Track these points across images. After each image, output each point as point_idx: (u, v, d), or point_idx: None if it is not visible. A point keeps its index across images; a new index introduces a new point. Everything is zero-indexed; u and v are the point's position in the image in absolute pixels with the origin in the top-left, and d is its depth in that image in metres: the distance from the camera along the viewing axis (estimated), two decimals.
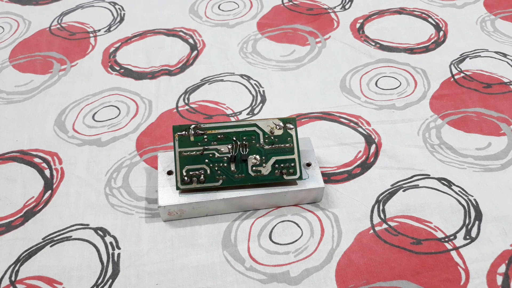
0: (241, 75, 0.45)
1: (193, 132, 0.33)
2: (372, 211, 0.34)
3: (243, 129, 0.34)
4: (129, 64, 0.46)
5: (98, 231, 0.33)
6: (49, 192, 0.36)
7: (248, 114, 0.41)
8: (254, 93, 0.43)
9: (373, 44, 0.47)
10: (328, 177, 0.36)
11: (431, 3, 0.52)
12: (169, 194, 0.33)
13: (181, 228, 0.33)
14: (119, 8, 0.53)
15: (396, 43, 0.47)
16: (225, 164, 0.33)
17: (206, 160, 0.33)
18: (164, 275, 0.31)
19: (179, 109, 0.42)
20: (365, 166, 0.37)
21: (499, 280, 0.30)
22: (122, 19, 0.52)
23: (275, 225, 0.33)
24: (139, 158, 0.38)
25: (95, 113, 0.41)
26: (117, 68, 0.46)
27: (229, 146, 0.33)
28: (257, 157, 0.33)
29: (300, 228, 0.33)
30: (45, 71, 0.46)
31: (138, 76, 0.45)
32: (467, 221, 0.33)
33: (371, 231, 0.33)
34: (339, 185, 0.36)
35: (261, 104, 0.42)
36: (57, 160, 0.38)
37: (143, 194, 0.35)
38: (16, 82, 0.45)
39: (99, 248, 0.32)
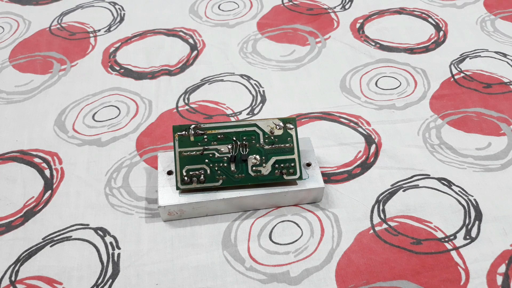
0: (241, 75, 0.45)
1: (193, 132, 0.33)
2: (372, 211, 0.34)
3: (243, 129, 0.34)
4: (129, 64, 0.46)
5: (98, 231, 0.33)
6: (49, 192, 0.36)
7: (248, 114, 0.41)
8: (254, 93, 0.43)
9: (373, 44, 0.47)
10: (328, 177, 0.36)
11: (431, 3, 0.52)
12: (169, 194, 0.33)
13: (181, 228, 0.33)
14: (119, 8, 0.53)
15: (396, 43, 0.47)
16: (225, 164, 0.33)
17: (206, 160, 0.33)
18: (164, 275, 0.31)
19: (179, 109, 0.42)
20: (365, 166, 0.37)
21: (499, 280, 0.30)
22: (122, 19, 0.52)
23: (275, 225, 0.33)
24: (139, 158, 0.38)
25: (95, 113, 0.41)
26: (117, 68, 0.46)
27: (229, 146, 0.33)
28: (257, 157, 0.33)
29: (300, 228, 0.33)
30: (45, 71, 0.46)
31: (138, 76, 0.45)
32: (467, 221, 0.33)
33: (371, 231, 0.33)
34: (339, 185, 0.36)
35: (261, 104, 0.42)
36: (57, 160, 0.38)
37: (143, 194, 0.35)
38: (16, 82, 0.45)
39: (99, 248, 0.32)
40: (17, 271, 0.31)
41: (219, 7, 0.53)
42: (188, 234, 0.33)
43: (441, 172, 0.36)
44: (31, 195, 0.36)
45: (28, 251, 0.32)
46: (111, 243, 0.33)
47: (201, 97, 0.43)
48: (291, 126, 0.34)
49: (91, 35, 0.50)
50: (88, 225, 0.34)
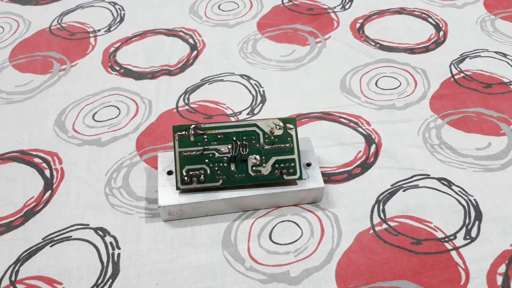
0: (241, 75, 0.45)
1: (193, 132, 0.33)
2: (372, 211, 0.34)
3: (243, 129, 0.34)
4: (129, 64, 0.46)
5: (98, 231, 0.33)
6: (49, 192, 0.36)
7: (248, 114, 0.41)
8: (254, 93, 0.43)
9: (373, 44, 0.47)
10: (328, 177, 0.36)
11: (431, 3, 0.52)
12: (169, 194, 0.33)
13: (181, 228, 0.33)
14: (119, 8, 0.53)
15: (396, 43, 0.47)
16: (225, 164, 0.33)
17: (206, 160, 0.33)
18: (164, 275, 0.31)
19: (179, 109, 0.42)
20: (365, 166, 0.37)
21: (499, 280, 0.30)
22: (122, 19, 0.52)
23: (275, 225, 0.33)
24: (139, 158, 0.38)
25: (95, 113, 0.41)
26: (117, 68, 0.46)
27: (229, 146, 0.33)
28: (257, 157, 0.33)
29: (300, 228, 0.33)
30: (45, 71, 0.46)
31: (138, 76, 0.45)
32: (467, 221, 0.33)
33: (371, 231, 0.33)
34: (339, 185, 0.36)
35: (261, 104, 0.42)
36: (57, 160, 0.38)
37: (143, 194, 0.35)
38: (16, 82, 0.45)
39: (99, 248, 0.32)
40: (17, 271, 0.31)
41: (219, 7, 0.53)
42: (188, 234, 0.33)
43: (441, 172, 0.36)
44: (31, 195, 0.36)
45: (28, 251, 0.32)
46: (111, 243, 0.33)
47: (201, 97, 0.43)
48: (291, 126, 0.34)
49: (91, 35, 0.50)
50: (88, 225, 0.34)
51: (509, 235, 0.32)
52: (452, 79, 0.43)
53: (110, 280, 0.31)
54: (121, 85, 0.44)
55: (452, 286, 0.30)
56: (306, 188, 0.33)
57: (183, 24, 0.51)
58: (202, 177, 0.32)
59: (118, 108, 0.42)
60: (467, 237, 0.32)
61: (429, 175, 0.36)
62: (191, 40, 0.49)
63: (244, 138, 0.33)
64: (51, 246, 0.32)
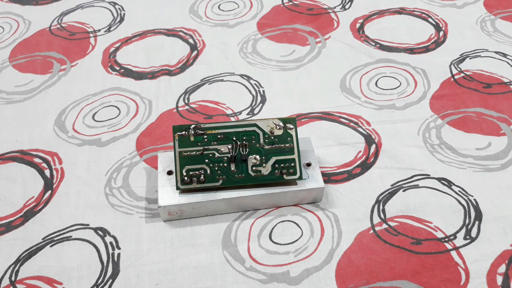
0: (241, 75, 0.45)
1: (193, 132, 0.33)
2: (372, 211, 0.34)
3: (243, 129, 0.34)
4: (129, 64, 0.46)
5: (98, 231, 0.33)
6: (49, 192, 0.36)
7: (248, 114, 0.41)
8: (254, 93, 0.43)
9: (373, 44, 0.47)
10: (328, 177, 0.36)
11: (431, 3, 0.52)
12: (169, 194, 0.33)
13: (181, 228, 0.33)
14: (119, 8, 0.53)
15: (396, 43, 0.47)
16: (225, 164, 0.33)
17: (206, 160, 0.33)
18: (164, 275, 0.31)
19: (179, 109, 0.42)
20: (365, 166, 0.37)
21: (499, 280, 0.30)
22: (122, 19, 0.52)
23: (275, 225, 0.33)
24: (139, 158, 0.38)
25: (95, 113, 0.41)
26: (117, 68, 0.46)
27: (229, 146, 0.33)
28: (257, 157, 0.33)
29: (300, 228, 0.33)
30: (45, 71, 0.46)
31: (138, 76, 0.45)
32: (467, 221, 0.33)
33: (371, 231, 0.33)
34: (339, 185, 0.36)
35: (261, 104, 0.42)
36: (57, 160, 0.38)
37: (143, 194, 0.35)
38: (16, 82, 0.45)
39: (99, 248, 0.32)
40: (17, 271, 0.31)
41: (219, 7, 0.53)
42: (188, 234, 0.33)
43: (441, 172, 0.36)
44: (31, 195, 0.36)
45: (28, 251, 0.32)
46: (111, 243, 0.33)
47: (201, 97, 0.43)
48: (291, 126, 0.34)
49: (91, 35, 0.50)
50: (88, 225, 0.34)
51: (509, 235, 0.32)
52: (452, 79, 0.43)
53: (110, 280, 0.31)
54: (121, 85, 0.44)
55: (452, 286, 0.30)
56: (306, 188, 0.33)
57: (183, 24, 0.51)
58: (202, 177, 0.32)
59: (118, 108, 0.42)
60: (467, 237, 0.32)
61: (429, 175, 0.36)
62: (191, 40, 0.49)
63: (244, 138, 0.33)
64: (51, 246, 0.32)
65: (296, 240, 0.32)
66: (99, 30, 0.50)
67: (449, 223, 0.33)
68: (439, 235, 0.32)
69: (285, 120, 0.34)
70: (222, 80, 0.44)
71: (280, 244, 0.32)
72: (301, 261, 0.31)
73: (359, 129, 0.39)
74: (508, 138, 0.38)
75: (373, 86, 0.43)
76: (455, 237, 0.32)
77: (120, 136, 0.39)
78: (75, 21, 0.52)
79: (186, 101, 0.42)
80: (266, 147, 0.33)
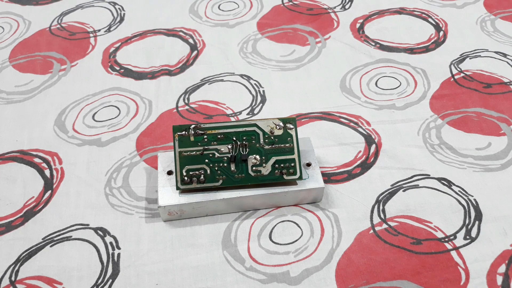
0: (241, 75, 0.45)
1: (193, 132, 0.33)
2: (372, 211, 0.34)
3: (243, 129, 0.34)
4: (129, 64, 0.46)
5: (98, 231, 0.33)
6: (49, 192, 0.36)
7: (248, 114, 0.41)
8: (254, 93, 0.43)
9: (373, 44, 0.47)
10: (328, 177, 0.36)
11: (431, 3, 0.52)
12: (169, 194, 0.33)
13: (181, 228, 0.33)
14: (119, 8, 0.53)
15: (396, 43, 0.47)
16: (225, 164, 0.33)
17: (206, 160, 0.33)
18: (164, 275, 0.31)
19: (179, 109, 0.42)
20: (365, 166, 0.37)
21: (499, 280, 0.30)
22: (122, 19, 0.52)
23: (275, 225, 0.33)
24: (139, 158, 0.38)
25: (95, 113, 0.41)
26: (117, 68, 0.46)
27: (229, 146, 0.33)
28: (257, 157, 0.33)
29: (300, 228, 0.33)
30: (45, 71, 0.46)
31: (138, 76, 0.45)
32: (467, 221, 0.33)
33: (371, 231, 0.33)
34: (339, 185, 0.36)
35: (261, 104, 0.42)
36: (57, 160, 0.38)
37: (143, 194, 0.35)
38: (16, 82, 0.45)
39: (99, 248, 0.32)
40: (17, 271, 0.31)
41: (219, 7, 0.53)
42: (188, 234, 0.33)
43: (441, 172, 0.36)
44: (31, 195, 0.36)
45: (28, 251, 0.32)
46: (111, 243, 0.33)
47: (201, 97, 0.43)
48: (291, 126, 0.34)
49: (91, 35, 0.50)
50: (88, 225, 0.34)
51: (509, 235, 0.32)
52: (452, 79, 0.43)
53: (110, 280, 0.31)
54: (121, 85, 0.44)
55: (452, 286, 0.30)
56: (306, 188, 0.33)
57: (183, 24, 0.51)
58: (202, 177, 0.32)
59: (118, 108, 0.42)
60: (467, 237, 0.32)
61: (429, 175, 0.36)
62: (191, 40, 0.49)
63: (244, 138, 0.33)
64: (51, 246, 0.32)
65: (296, 240, 0.32)
66: (99, 30, 0.50)
67: (449, 223, 0.33)
68: (439, 235, 0.32)
69: (285, 120, 0.34)
70: (222, 80, 0.44)
71: (280, 244, 0.32)
72: (301, 261, 0.31)
73: (359, 129, 0.39)
74: (508, 138, 0.38)
75: (373, 86, 0.43)
76: (455, 237, 0.32)
77: (120, 136, 0.39)
78: (75, 21, 0.52)
79: (186, 101, 0.42)
80: (266, 147, 0.33)
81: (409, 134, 0.39)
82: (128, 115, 0.41)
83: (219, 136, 0.33)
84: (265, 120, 0.34)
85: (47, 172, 0.37)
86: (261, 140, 0.33)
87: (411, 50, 0.47)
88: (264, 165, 0.33)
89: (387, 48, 0.47)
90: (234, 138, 0.33)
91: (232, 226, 0.33)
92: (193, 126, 0.33)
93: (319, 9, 0.52)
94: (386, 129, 0.39)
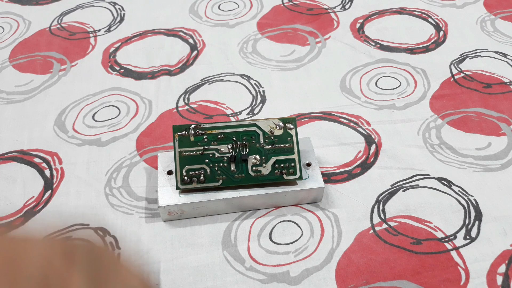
0: (241, 75, 0.45)
1: (193, 132, 0.33)
2: (372, 211, 0.34)
3: (243, 129, 0.34)
4: (129, 64, 0.46)
5: (98, 231, 0.33)
6: (49, 192, 0.36)
7: (248, 114, 0.41)
8: (254, 93, 0.43)
9: (373, 44, 0.47)
10: (328, 177, 0.36)
11: (431, 3, 0.52)
12: (169, 194, 0.33)
13: (181, 228, 0.33)
14: (119, 8, 0.53)
15: (396, 43, 0.47)
16: (225, 164, 0.33)
17: (206, 160, 0.33)
18: (164, 275, 0.31)
19: (179, 109, 0.42)
20: (365, 166, 0.37)
21: (499, 280, 0.30)
22: (122, 19, 0.52)
23: (275, 225, 0.33)
24: (139, 158, 0.38)
25: (95, 113, 0.41)
26: (117, 68, 0.46)
27: (229, 146, 0.33)
28: (257, 157, 0.33)
29: (300, 228, 0.33)
30: (45, 71, 0.46)
31: (138, 76, 0.45)
32: (467, 221, 0.33)
33: (371, 231, 0.33)
34: (339, 185, 0.36)
35: (261, 104, 0.42)
36: (57, 160, 0.38)
37: (143, 194, 0.35)
38: (16, 82, 0.45)
39: None
40: None
41: (219, 7, 0.53)
42: (188, 234, 0.33)
43: (441, 172, 0.36)
44: (31, 195, 0.36)
45: None
46: (111, 243, 0.33)
47: (201, 97, 0.43)
48: (291, 126, 0.34)
49: (91, 35, 0.50)
50: (88, 225, 0.34)
51: (509, 235, 0.32)
52: (452, 79, 0.43)
53: None
54: (121, 85, 0.44)
55: (452, 286, 0.30)
56: (306, 188, 0.33)
57: (183, 24, 0.51)
58: (202, 177, 0.32)
59: (118, 108, 0.42)
60: (467, 237, 0.32)
61: (429, 175, 0.36)
62: (191, 40, 0.49)
63: (244, 138, 0.33)
64: None
65: (296, 240, 0.32)
66: (99, 30, 0.50)
67: (449, 223, 0.33)
68: (439, 235, 0.32)
69: (285, 120, 0.34)
70: (222, 80, 0.44)
71: (280, 244, 0.32)
72: (301, 261, 0.31)
73: (359, 129, 0.39)
74: (508, 138, 0.38)
75: (373, 86, 0.43)
76: (455, 237, 0.32)
77: (120, 136, 0.39)
78: (75, 21, 0.52)
79: (186, 101, 0.42)
80: (266, 147, 0.33)
81: (409, 134, 0.39)
82: (128, 115, 0.41)
83: (219, 136, 0.33)
84: (265, 120, 0.34)
85: (47, 172, 0.37)
86: (261, 140, 0.33)
87: (411, 50, 0.47)
88: (264, 165, 0.33)
89: (387, 48, 0.47)
90: (234, 138, 0.33)
91: (232, 226, 0.33)
92: (193, 126, 0.33)
93: (319, 9, 0.52)
94: (386, 129, 0.39)
